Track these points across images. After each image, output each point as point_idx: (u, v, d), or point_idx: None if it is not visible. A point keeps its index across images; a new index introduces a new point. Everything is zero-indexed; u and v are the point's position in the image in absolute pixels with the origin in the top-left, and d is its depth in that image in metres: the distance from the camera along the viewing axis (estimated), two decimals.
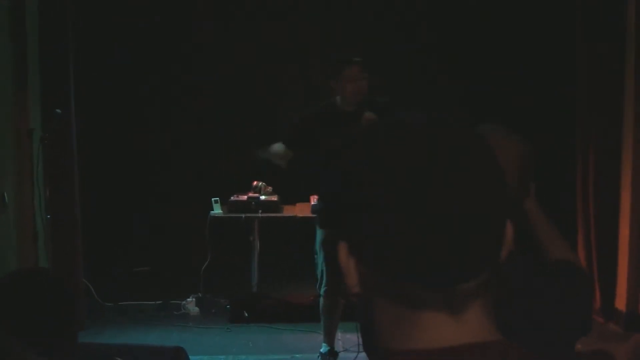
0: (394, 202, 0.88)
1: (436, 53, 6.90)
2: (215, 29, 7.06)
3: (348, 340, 5.33)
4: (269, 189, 6.30)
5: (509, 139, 1.86)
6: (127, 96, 7.02)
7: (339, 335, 5.35)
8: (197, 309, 6.31)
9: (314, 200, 6.14)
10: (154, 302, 6.46)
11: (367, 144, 0.95)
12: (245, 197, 6.17)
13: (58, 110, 5.37)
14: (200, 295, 6.40)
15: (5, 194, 5.29)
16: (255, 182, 6.30)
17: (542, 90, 6.75)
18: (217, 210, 6.14)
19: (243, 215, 6.09)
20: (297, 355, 5.39)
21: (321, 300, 5.06)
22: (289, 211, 6.26)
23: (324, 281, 4.92)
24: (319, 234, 4.90)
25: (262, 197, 6.18)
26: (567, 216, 6.14)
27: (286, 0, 7.07)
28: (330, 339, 5.17)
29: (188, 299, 6.35)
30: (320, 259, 4.96)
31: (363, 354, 4.52)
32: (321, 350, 5.20)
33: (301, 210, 6.22)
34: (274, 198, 6.21)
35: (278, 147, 5.01)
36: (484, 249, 0.90)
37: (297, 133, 4.99)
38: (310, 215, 6.03)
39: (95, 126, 6.64)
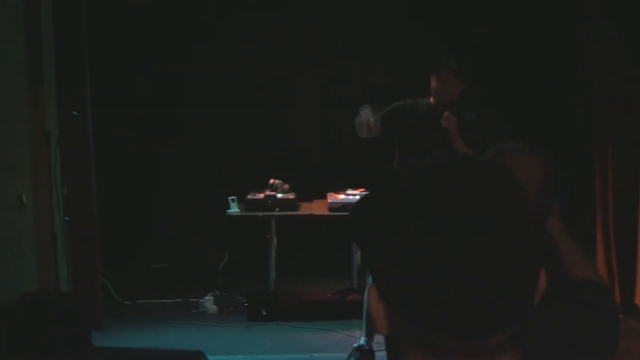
0: (422, 251, 0.86)
1: (437, 53, 6.85)
2: (216, 29, 7.06)
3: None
4: (286, 186, 6.28)
5: (531, 157, 1.83)
6: (142, 94, 7.04)
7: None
8: (215, 307, 6.31)
9: (331, 197, 6.13)
10: (172, 300, 6.48)
11: (396, 191, 0.93)
12: (262, 196, 6.15)
13: (75, 112, 5.38)
14: (218, 293, 6.41)
15: (24, 196, 5.31)
16: (272, 180, 6.28)
17: (555, 92, 6.71)
18: (234, 208, 6.12)
19: (260, 214, 6.08)
20: (315, 355, 5.38)
21: (368, 291, 4.97)
22: (306, 208, 6.24)
23: None
24: None
25: (279, 195, 6.16)
26: (585, 212, 6.11)
27: (286, 0, 7.05)
28: (369, 332, 5.11)
29: (206, 297, 6.36)
30: None
31: None
32: (358, 343, 5.15)
33: (318, 207, 6.21)
34: (291, 196, 6.19)
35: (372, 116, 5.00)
36: (516, 302, 0.88)
37: (388, 115, 5.04)
38: (328, 213, 6.02)
39: (110, 124, 6.65)
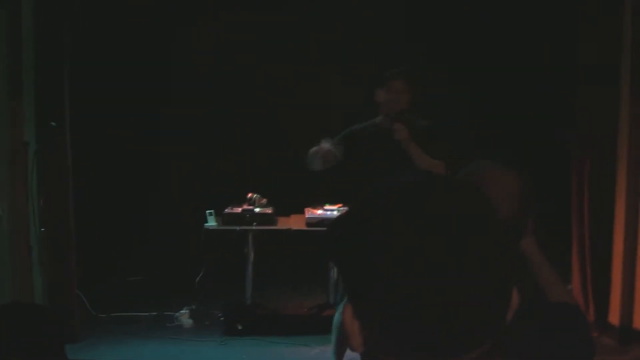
0: (397, 270, 0.87)
1: (436, 53, 6.89)
2: (216, 30, 7.07)
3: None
4: (264, 201, 6.28)
5: (508, 174, 1.84)
6: (122, 104, 7.01)
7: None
8: (190, 320, 6.28)
9: (309, 212, 6.13)
10: (147, 314, 6.43)
11: (368, 210, 0.94)
12: (239, 210, 6.15)
13: (53, 124, 5.36)
14: (194, 307, 6.38)
15: (0, 208, 5.27)
16: (250, 194, 6.27)
17: (555, 92, 6.73)
18: (212, 222, 6.12)
19: (237, 228, 6.08)
20: None
21: (337, 315, 4.79)
22: (284, 223, 6.24)
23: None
24: None
25: (257, 210, 6.15)
26: (561, 229, 6.15)
27: (286, 0, 7.08)
28: (339, 356, 4.98)
29: (182, 311, 6.33)
30: None
31: None
32: None
33: (296, 222, 6.21)
34: (269, 210, 6.18)
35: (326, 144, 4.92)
36: (490, 318, 0.90)
37: (341, 140, 4.94)
38: (305, 228, 6.03)
39: (89, 136, 6.61)
